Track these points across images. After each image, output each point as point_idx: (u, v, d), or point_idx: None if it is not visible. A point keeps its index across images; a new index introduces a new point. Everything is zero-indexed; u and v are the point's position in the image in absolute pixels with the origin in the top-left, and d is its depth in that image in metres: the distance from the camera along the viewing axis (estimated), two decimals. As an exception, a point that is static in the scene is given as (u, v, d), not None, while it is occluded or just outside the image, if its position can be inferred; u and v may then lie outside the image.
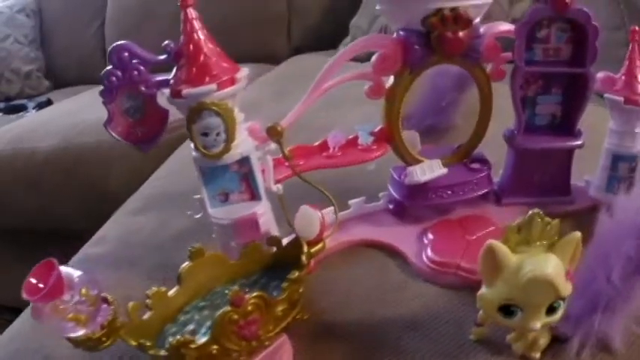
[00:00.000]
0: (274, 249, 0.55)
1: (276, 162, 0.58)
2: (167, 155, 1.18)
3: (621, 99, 0.61)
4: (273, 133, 0.55)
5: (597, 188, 0.67)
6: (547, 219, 0.44)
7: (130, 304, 0.46)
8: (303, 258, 0.50)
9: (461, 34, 0.57)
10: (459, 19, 0.56)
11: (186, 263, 0.51)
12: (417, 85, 0.65)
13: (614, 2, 1.10)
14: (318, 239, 0.53)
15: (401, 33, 0.60)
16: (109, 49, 0.55)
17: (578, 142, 0.64)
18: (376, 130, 0.64)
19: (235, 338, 0.44)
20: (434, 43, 0.57)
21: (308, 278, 0.51)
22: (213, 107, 0.50)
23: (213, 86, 0.50)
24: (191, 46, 0.52)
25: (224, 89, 0.51)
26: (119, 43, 0.54)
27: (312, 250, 0.52)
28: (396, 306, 0.54)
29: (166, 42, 0.53)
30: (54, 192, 1.34)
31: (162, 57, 0.54)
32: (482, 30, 0.60)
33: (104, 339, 0.43)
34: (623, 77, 0.63)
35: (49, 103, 1.66)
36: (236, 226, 0.56)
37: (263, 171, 0.57)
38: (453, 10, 0.56)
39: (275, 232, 0.58)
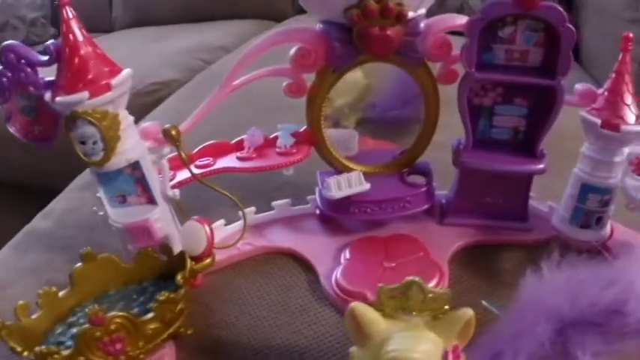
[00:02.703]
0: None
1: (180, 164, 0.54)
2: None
3: (598, 121, 0.50)
4: (169, 137, 0.51)
5: (561, 218, 0.57)
6: (430, 289, 0.36)
7: (19, 303, 0.46)
8: (179, 278, 0.47)
9: (390, 30, 0.46)
10: (387, 12, 0.46)
11: (79, 264, 0.51)
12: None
13: None
14: (206, 255, 0.51)
15: (321, 26, 0.50)
16: (-1, 48, 0.50)
17: (539, 167, 0.54)
18: (299, 131, 0.56)
19: (101, 353, 0.43)
20: (356, 40, 0.47)
21: (201, 290, 0.51)
22: (87, 116, 0.47)
23: (85, 94, 0.46)
24: (67, 49, 0.47)
25: (99, 96, 0.47)
26: (6, 43, 0.49)
27: (198, 266, 0.50)
28: (290, 332, 0.50)
29: (48, 42, 0.48)
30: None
31: (45, 58, 0.49)
32: (423, 25, 0.49)
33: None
34: (605, 94, 0.51)
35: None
36: (129, 230, 0.53)
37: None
38: (381, 1, 0.45)
39: (176, 237, 0.54)
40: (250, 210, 0.60)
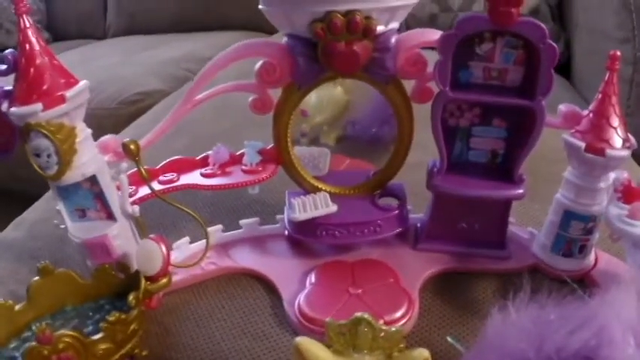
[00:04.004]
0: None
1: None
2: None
3: (582, 144, 0.47)
4: (127, 151, 0.49)
5: (541, 246, 0.54)
6: (380, 327, 0.34)
7: None
8: (131, 298, 0.46)
9: (357, 46, 0.44)
10: (353, 26, 0.43)
11: (36, 278, 0.50)
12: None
13: (625, 10, 0.90)
14: (161, 275, 0.49)
15: (286, 40, 0.48)
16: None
17: (517, 192, 0.51)
18: (266, 148, 0.53)
19: (50, 370, 0.42)
20: (320, 56, 0.45)
21: (161, 310, 0.50)
22: (40, 129, 0.45)
23: (38, 106, 0.44)
24: (23, 59, 0.45)
25: (53, 108, 0.45)
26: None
27: (152, 287, 0.49)
28: (249, 357, 0.48)
29: (7, 51, 0.46)
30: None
31: (3, 67, 0.47)
32: (395, 40, 0.47)
33: None
34: (590, 115, 0.48)
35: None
36: (87, 246, 0.51)
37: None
38: (348, 15, 0.43)
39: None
40: (217, 228, 0.58)
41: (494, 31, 0.47)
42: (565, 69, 1.16)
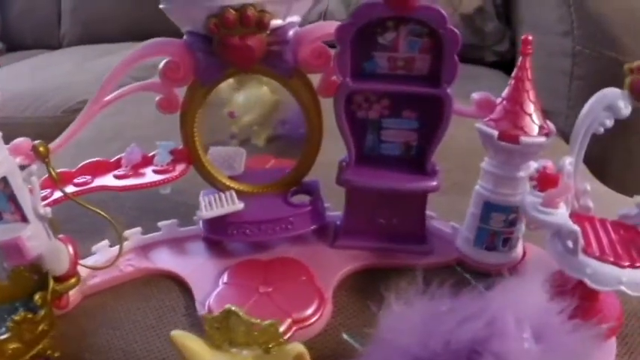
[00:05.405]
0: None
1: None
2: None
3: (495, 132, 0.47)
4: (37, 153, 0.49)
5: (464, 240, 0.53)
6: (253, 320, 0.33)
7: None
8: (37, 298, 0.46)
9: (251, 40, 0.43)
10: (246, 20, 0.42)
11: None
12: None
13: (564, 5, 0.91)
14: (70, 275, 0.49)
15: (186, 37, 0.47)
16: None
17: (430, 184, 0.50)
18: (178, 148, 0.52)
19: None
20: (216, 51, 0.44)
21: (78, 311, 0.50)
22: None
23: None
24: None
25: None
26: None
27: (60, 287, 0.49)
28: (160, 358, 0.47)
29: None
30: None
31: None
32: (295, 34, 0.46)
33: None
34: (504, 103, 0.48)
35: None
36: (2, 248, 0.50)
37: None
38: (241, 9, 0.42)
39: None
40: (136, 230, 0.57)
41: (396, 20, 0.46)
42: (511, 67, 1.17)
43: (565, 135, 0.59)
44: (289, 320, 0.45)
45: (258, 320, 0.32)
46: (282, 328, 0.44)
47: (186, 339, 0.33)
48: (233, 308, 0.32)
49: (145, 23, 1.61)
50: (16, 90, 1.22)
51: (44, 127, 1.11)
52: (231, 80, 0.58)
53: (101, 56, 1.43)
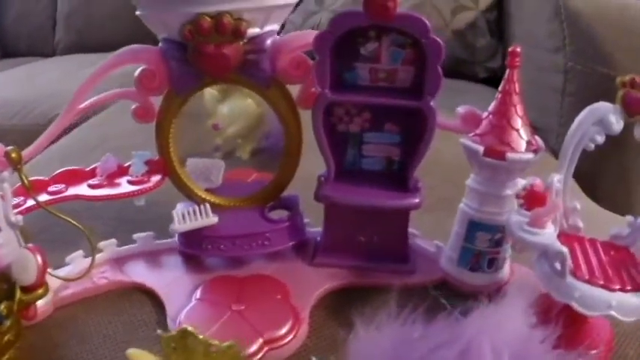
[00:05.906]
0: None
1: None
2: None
3: (480, 148, 0.45)
4: (9, 160, 0.47)
5: (448, 259, 0.51)
6: (211, 341, 0.31)
7: None
8: (2, 307, 0.44)
9: (227, 48, 0.42)
10: (221, 28, 0.41)
11: None
12: None
13: (556, 20, 0.90)
14: (38, 285, 0.48)
15: (161, 44, 0.46)
16: None
17: (412, 201, 0.49)
18: (154, 159, 0.51)
19: None
20: (191, 59, 0.43)
21: (49, 323, 0.49)
22: None
23: None
24: None
25: None
26: None
27: (27, 297, 0.47)
28: None
29: None
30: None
31: None
32: (273, 43, 0.45)
33: None
34: (490, 117, 0.46)
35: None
36: None
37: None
38: (216, 17, 0.41)
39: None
40: (111, 242, 0.56)
41: (378, 29, 0.45)
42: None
43: (556, 153, 0.57)
44: (260, 340, 0.43)
45: (217, 341, 0.30)
46: (253, 348, 0.42)
47: (141, 357, 0.31)
48: (189, 328, 0.30)
49: (139, 32, 1.61)
50: (5, 97, 1.21)
51: (31, 135, 1.07)
52: (215, 92, 0.57)
53: (94, 64, 1.41)
